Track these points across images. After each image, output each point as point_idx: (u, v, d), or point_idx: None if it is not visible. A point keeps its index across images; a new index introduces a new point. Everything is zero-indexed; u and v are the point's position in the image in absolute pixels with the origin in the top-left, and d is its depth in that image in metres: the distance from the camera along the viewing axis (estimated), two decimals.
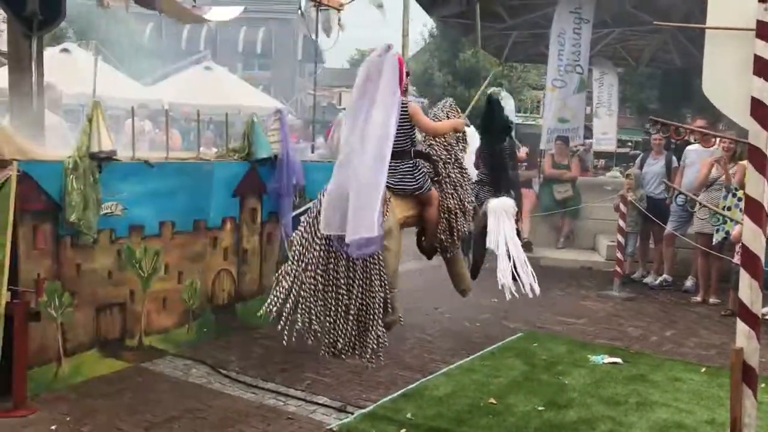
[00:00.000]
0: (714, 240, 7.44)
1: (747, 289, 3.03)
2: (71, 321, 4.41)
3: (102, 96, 8.97)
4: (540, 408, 4.31)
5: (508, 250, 5.36)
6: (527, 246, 9.70)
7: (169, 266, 5.07)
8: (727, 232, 7.18)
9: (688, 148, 8.63)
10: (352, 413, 4.14)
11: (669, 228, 8.18)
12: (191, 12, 8.51)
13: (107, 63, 13.68)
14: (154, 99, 13.34)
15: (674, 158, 8.69)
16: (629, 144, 28.28)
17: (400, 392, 4.48)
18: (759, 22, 2.96)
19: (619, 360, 5.32)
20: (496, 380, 4.79)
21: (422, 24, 25.21)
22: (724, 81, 3.15)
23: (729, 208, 7.13)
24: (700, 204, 7.38)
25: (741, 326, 3.04)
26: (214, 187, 5.42)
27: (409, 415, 4.10)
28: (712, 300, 7.58)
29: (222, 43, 32.92)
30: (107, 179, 4.51)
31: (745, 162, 3.36)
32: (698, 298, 7.72)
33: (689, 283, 8.23)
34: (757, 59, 2.97)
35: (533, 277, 5.34)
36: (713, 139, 8.02)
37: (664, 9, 12.77)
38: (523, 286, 5.28)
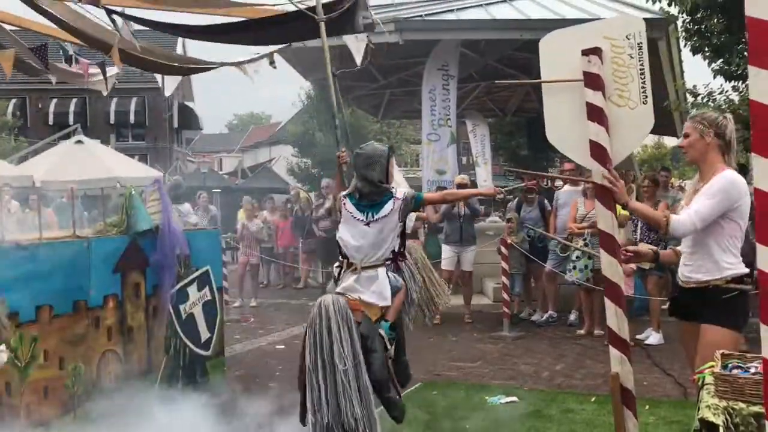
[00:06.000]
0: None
1: (613, 316, 3.24)
2: None
3: None
4: None
5: None
6: None
7: (49, 352, 4.78)
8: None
9: (559, 191, 9.17)
10: None
11: (549, 266, 8.58)
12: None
13: None
14: (22, 176, 12.66)
15: (546, 202, 9.18)
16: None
17: None
18: (585, 73, 3.24)
19: (515, 398, 5.48)
20: None
21: (299, 87, 25.51)
22: (564, 128, 3.40)
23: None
24: (567, 244, 7.81)
25: (613, 352, 3.23)
26: (93, 264, 5.18)
27: None
28: (596, 331, 7.93)
29: (93, 115, 31.89)
30: None
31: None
32: (582, 331, 8.09)
33: (573, 316, 8.63)
34: (589, 106, 3.24)
35: None
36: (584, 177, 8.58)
37: (524, 62, 13.70)
38: None
